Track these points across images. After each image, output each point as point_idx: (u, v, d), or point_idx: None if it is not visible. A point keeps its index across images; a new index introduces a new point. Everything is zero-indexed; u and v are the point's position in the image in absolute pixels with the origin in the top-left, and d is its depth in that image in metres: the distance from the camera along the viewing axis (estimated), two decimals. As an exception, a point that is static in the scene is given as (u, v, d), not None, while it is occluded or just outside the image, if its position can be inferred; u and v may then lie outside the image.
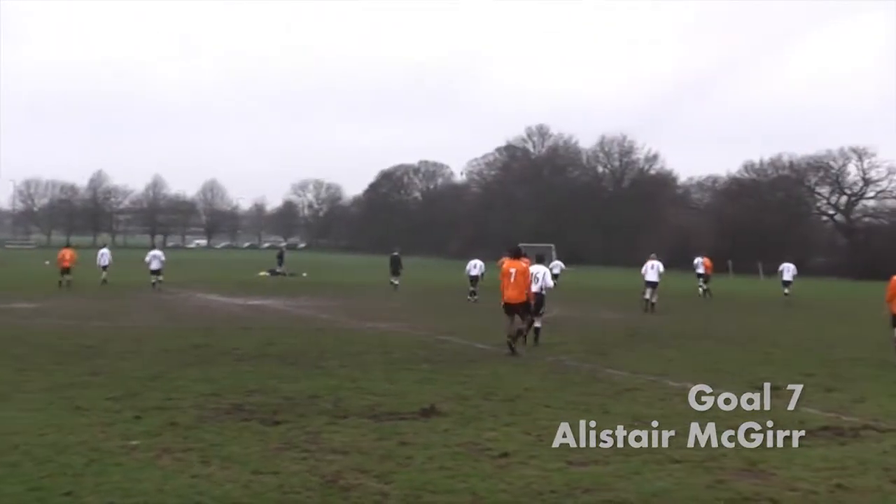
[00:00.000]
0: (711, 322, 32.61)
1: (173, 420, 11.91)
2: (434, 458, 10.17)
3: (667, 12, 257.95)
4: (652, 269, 39.03)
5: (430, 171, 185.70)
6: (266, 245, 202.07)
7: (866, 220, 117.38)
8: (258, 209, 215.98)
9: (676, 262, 75.84)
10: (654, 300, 38.11)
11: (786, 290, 51.56)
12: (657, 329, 28.51)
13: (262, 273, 65.58)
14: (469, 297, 42.00)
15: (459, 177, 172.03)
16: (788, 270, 52.78)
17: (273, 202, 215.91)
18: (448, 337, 24.45)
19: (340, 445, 10.67)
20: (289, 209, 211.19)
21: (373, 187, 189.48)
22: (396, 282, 51.12)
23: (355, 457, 10.14)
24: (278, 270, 66.92)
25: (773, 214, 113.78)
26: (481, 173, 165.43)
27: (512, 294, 21.56)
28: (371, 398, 14.06)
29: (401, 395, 14.53)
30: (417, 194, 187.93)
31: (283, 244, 72.86)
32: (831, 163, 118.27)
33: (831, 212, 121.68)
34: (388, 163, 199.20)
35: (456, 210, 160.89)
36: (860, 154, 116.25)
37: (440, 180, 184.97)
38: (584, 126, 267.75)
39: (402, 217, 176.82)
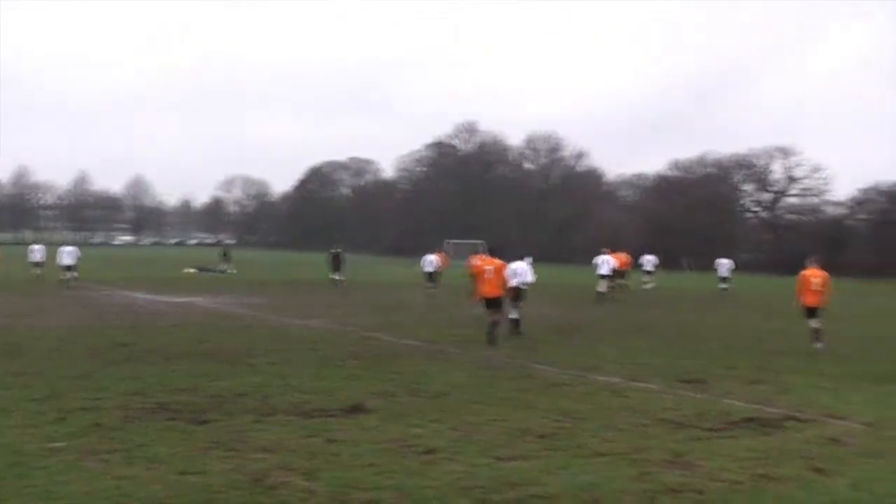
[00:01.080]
0: (640, 317, 32.89)
1: (98, 421, 11.76)
2: (361, 455, 10.18)
3: (588, 9, 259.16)
4: (604, 264, 42.50)
5: (359, 167, 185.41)
6: (193, 242, 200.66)
7: (790, 216, 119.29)
8: (185, 205, 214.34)
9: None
10: (603, 290, 41.62)
11: (723, 286, 53.13)
12: (586, 325, 28.71)
13: (189, 270, 65.06)
14: (427, 290, 43.75)
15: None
16: (724, 266, 54.59)
17: (200, 198, 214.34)
18: (376, 333, 24.43)
19: (267, 444, 10.64)
20: (216, 205, 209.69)
21: (302, 184, 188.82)
22: (337, 277, 50.93)
23: (282, 455, 10.12)
24: (224, 268, 66.85)
25: (700, 211, 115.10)
26: (410, 170, 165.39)
27: (489, 289, 23.30)
28: (298, 395, 14.04)
29: (328, 392, 14.52)
30: (346, 191, 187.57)
31: (228, 241, 72.80)
32: (756, 161, 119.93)
33: (756, 209, 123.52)
34: (318, 159, 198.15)
35: (385, 206, 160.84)
36: (785, 153, 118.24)
37: (369, 177, 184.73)
38: (513, 123, 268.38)
39: (331, 213, 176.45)
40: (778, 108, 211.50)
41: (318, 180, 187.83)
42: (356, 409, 12.85)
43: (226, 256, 69.27)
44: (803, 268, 24.31)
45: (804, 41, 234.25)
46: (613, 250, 49.49)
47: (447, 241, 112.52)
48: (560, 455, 10.48)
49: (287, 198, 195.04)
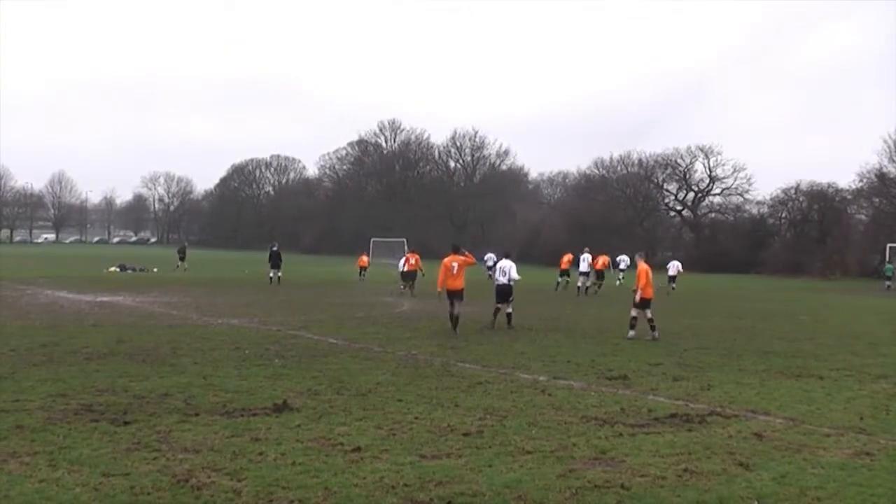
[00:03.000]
0: (563, 315, 33.07)
1: (20, 423, 11.57)
2: (286, 454, 10.15)
3: (513, 9, 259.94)
4: (583, 262, 47.62)
5: (282, 165, 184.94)
6: (116, 240, 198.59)
7: (712, 215, 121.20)
8: (108, 203, 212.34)
9: (527, 256, 77.03)
10: (587, 285, 47.41)
11: (672, 286, 55.55)
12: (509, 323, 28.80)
13: (111, 269, 64.41)
14: (402, 287, 45.40)
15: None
16: (674, 266, 57.93)
17: (123, 196, 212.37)
18: (300, 332, 24.36)
19: (192, 444, 10.57)
20: (139, 203, 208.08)
21: (224, 181, 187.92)
22: (272, 275, 52.25)
23: (207, 455, 10.06)
24: (180, 266, 66.82)
25: (622, 210, 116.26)
26: (333, 168, 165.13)
27: (454, 283, 25.73)
28: (223, 395, 13.96)
29: (253, 391, 14.46)
30: (269, 189, 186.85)
31: (186, 242, 73.01)
32: (679, 160, 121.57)
33: (679, 207, 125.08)
34: (241, 157, 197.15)
35: (308, 204, 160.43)
36: (706, 153, 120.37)
37: (292, 175, 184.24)
38: (436, 121, 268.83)
39: (254, 211, 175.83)
40: (703, 109, 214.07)
41: (240, 178, 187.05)
42: (281, 408, 12.80)
43: (182, 255, 69.22)
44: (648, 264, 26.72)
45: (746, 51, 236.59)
46: (566, 250, 51.98)
47: (373, 238, 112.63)
48: (485, 453, 10.52)
49: (210, 195, 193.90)
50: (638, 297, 25.53)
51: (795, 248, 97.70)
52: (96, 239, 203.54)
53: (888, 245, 79.33)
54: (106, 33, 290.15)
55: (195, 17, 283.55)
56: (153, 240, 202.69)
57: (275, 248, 53.76)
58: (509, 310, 27.47)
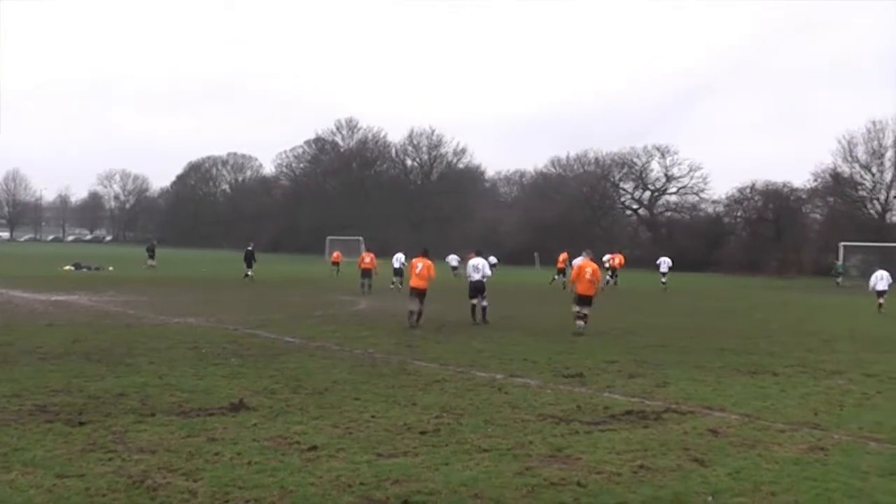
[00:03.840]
0: (519, 313, 33.16)
1: (-28, 424, 11.51)
2: (243, 454, 10.12)
3: (470, 8, 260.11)
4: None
5: (238, 163, 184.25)
6: (71, 238, 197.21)
7: (668, 214, 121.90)
8: (63, 201, 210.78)
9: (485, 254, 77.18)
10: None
11: (663, 280, 59.02)
12: (466, 321, 28.84)
13: (66, 267, 63.84)
14: (391, 285, 47.85)
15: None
16: (665, 264, 60.50)
17: (78, 193, 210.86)
18: (257, 331, 24.28)
19: (147, 444, 10.50)
20: (94, 200, 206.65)
21: (181, 179, 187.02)
22: (251, 273, 54.19)
23: (163, 455, 10.00)
24: (150, 264, 67.08)
25: (579, 208, 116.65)
26: (291, 166, 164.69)
27: (417, 282, 27.37)
28: (179, 395, 13.89)
29: (209, 390, 14.40)
30: (226, 186, 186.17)
31: (155, 241, 73.28)
32: (635, 159, 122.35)
33: (635, 206, 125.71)
34: (197, 154, 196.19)
35: (265, 203, 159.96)
36: (663, 152, 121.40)
37: (249, 172, 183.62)
38: (393, 120, 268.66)
39: (211, 209, 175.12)
40: (657, 109, 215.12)
41: (197, 176, 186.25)
42: (237, 408, 12.76)
43: (151, 252, 69.44)
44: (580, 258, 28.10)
45: (683, 45, 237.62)
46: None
47: (330, 237, 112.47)
48: (441, 451, 10.54)
49: (166, 193, 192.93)
50: (572, 291, 27.10)
51: (751, 247, 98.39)
52: (51, 237, 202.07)
53: (841, 244, 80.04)
54: (61, 32, 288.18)
55: (151, 16, 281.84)
56: (109, 238, 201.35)
57: (250, 248, 55.81)
58: (484, 303, 28.77)
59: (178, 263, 74.16)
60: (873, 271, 43.54)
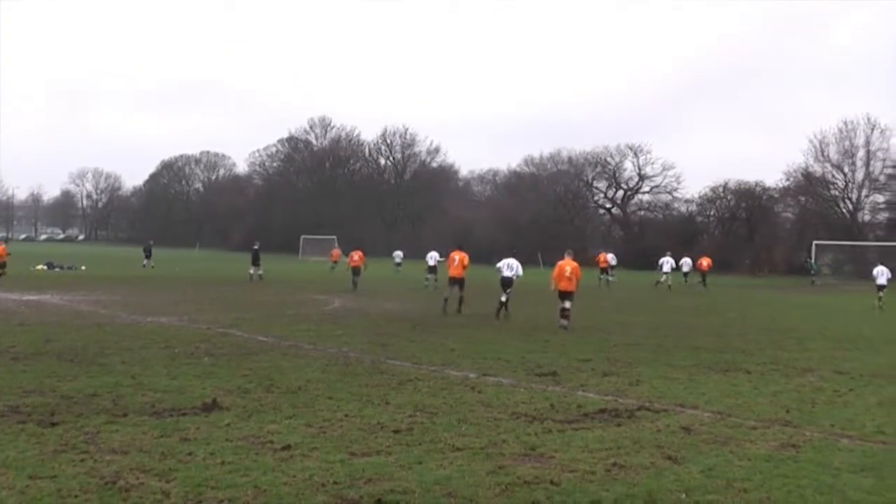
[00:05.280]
0: (495, 312, 33.16)
1: (-56, 424, 11.43)
2: (216, 454, 10.07)
3: (442, 5, 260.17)
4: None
5: (211, 161, 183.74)
6: (43, 237, 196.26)
7: (641, 213, 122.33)
8: (35, 199, 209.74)
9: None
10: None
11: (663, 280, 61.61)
12: (439, 320, 28.85)
13: (39, 266, 63.52)
14: (426, 282, 51.74)
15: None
16: (686, 264, 64.16)
17: (51, 192, 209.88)
18: (230, 330, 24.20)
19: (120, 445, 10.43)
20: (67, 199, 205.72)
21: (153, 178, 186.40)
22: (252, 272, 55.13)
23: (135, 456, 9.93)
24: (146, 265, 67.35)
25: (552, 207, 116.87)
26: (264, 165, 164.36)
27: (454, 272, 32.21)
28: (152, 394, 13.80)
29: (182, 390, 14.32)
30: (199, 185, 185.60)
31: (151, 241, 73.62)
32: (608, 159, 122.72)
33: (608, 205, 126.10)
34: (170, 153, 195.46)
35: (238, 201, 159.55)
36: (636, 151, 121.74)
37: (222, 171, 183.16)
38: (367, 119, 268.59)
39: (184, 208, 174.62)
40: (631, 108, 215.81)
41: (170, 174, 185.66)
42: (210, 407, 12.71)
43: (148, 252, 69.63)
44: (562, 258, 28.72)
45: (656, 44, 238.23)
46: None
47: (304, 235, 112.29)
48: (415, 450, 10.52)
49: (139, 192, 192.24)
50: (552, 288, 28.58)
51: (724, 246, 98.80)
52: (23, 236, 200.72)
53: (814, 242, 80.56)
54: (34, 30, 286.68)
55: (126, 14, 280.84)
56: (81, 237, 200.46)
57: (256, 248, 56.36)
58: (505, 298, 30.77)
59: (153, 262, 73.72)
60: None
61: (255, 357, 18.68)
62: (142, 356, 18.36)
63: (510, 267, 31.23)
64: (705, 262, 63.93)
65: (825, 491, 9.28)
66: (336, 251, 73.01)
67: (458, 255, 32.43)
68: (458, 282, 32.07)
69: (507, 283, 30.97)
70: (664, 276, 62.08)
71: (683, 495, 8.97)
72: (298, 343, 21.52)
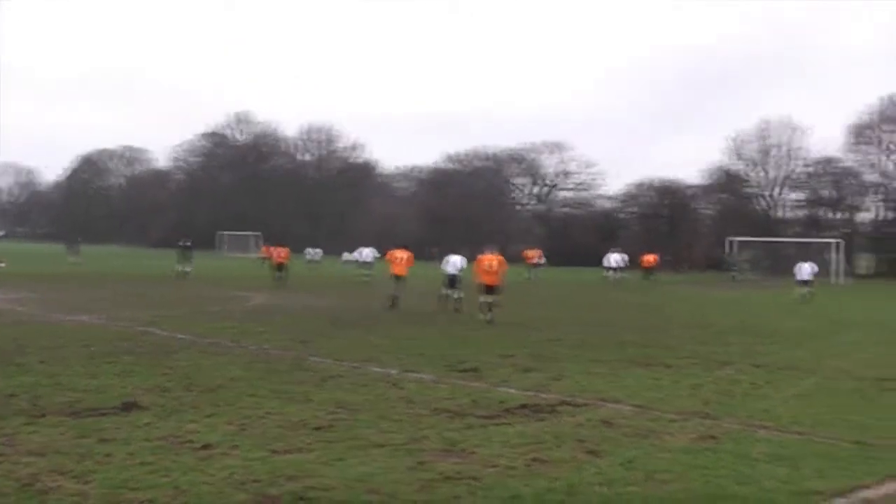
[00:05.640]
0: (416, 308, 33.19)
1: None
2: (135, 454, 9.96)
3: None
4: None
5: (132, 156, 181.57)
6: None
7: (563, 209, 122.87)
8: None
9: (382, 250, 77.63)
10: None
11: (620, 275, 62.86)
12: (361, 316, 28.87)
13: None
14: (365, 277, 53.22)
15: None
16: (621, 259, 64.91)
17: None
18: (150, 328, 23.98)
19: (37, 446, 10.28)
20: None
21: (74, 172, 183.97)
22: (179, 269, 54.64)
23: (53, 457, 9.80)
24: (72, 260, 66.85)
25: (475, 203, 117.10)
26: (185, 160, 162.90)
27: (398, 270, 33.58)
28: (70, 395, 13.62)
29: (101, 389, 14.15)
30: (120, 180, 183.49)
31: (79, 237, 72.79)
32: (531, 155, 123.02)
33: (530, 202, 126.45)
34: (90, 147, 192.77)
35: (159, 197, 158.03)
36: (558, 148, 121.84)
37: (143, 166, 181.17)
38: (289, 115, 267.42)
39: (104, 203, 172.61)
40: (553, 106, 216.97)
41: (90, 169, 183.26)
42: (129, 407, 12.58)
43: (73, 248, 69.60)
44: (482, 253, 30.13)
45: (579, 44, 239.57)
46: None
47: (221, 232, 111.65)
48: (336, 447, 10.51)
49: (58, 187, 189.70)
50: (477, 283, 29.22)
51: (646, 242, 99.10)
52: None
53: (732, 239, 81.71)
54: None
55: (43, 5, 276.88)
56: (2, 233, 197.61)
57: (188, 244, 56.04)
58: (460, 295, 31.79)
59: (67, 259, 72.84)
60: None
61: (176, 355, 18.52)
62: (61, 355, 18.12)
63: (454, 265, 32.82)
64: (651, 258, 66.38)
65: (743, 481, 9.43)
66: (267, 248, 71.88)
67: (403, 254, 34.00)
68: (402, 279, 33.31)
69: (452, 280, 32.47)
70: (610, 272, 63.58)
71: (604, 488, 9.05)
72: (219, 340, 21.39)
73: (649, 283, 63.19)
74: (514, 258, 60.50)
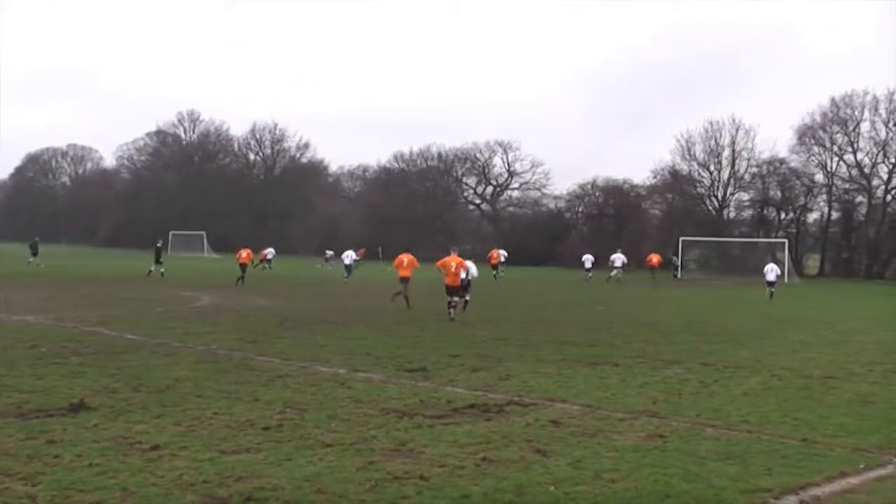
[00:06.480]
0: (364, 309, 33.19)
1: None
2: (83, 456, 9.91)
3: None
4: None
5: (78, 155, 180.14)
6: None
7: (511, 209, 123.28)
8: None
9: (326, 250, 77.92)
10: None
11: (616, 275, 64.50)
12: (308, 316, 28.83)
13: None
14: (345, 278, 54.24)
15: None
16: (619, 259, 65.92)
17: None
18: (97, 328, 23.85)
19: (-16, 449, 10.26)
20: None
21: (19, 171, 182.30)
22: (153, 269, 55.57)
23: (0, 459, 9.74)
24: (32, 261, 66.23)
25: (422, 203, 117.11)
26: (132, 159, 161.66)
27: (404, 273, 33.94)
28: (17, 396, 13.53)
29: (48, 390, 14.07)
30: (66, 179, 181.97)
31: (36, 238, 72.09)
32: (478, 155, 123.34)
33: (478, 201, 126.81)
34: (35, 145, 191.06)
35: (105, 196, 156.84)
36: (505, 148, 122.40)
37: (89, 165, 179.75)
38: (236, 114, 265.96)
39: (50, 203, 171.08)
40: (501, 106, 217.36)
41: (35, 168, 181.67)
42: (77, 408, 12.50)
43: (34, 250, 68.62)
44: (447, 254, 31.59)
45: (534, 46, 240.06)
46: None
47: (171, 231, 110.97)
48: (284, 447, 10.52)
49: (4, 185, 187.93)
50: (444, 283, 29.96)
51: (593, 242, 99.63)
52: None
53: (681, 238, 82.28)
54: None
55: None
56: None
57: (159, 245, 57.51)
58: (467, 297, 31.55)
59: (16, 259, 72.17)
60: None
61: (124, 356, 18.43)
62: (7, 356, 17.99)
63: (465, 269, 32.49)
64: (654, 258, 68.89)
65: (692, 479, 9.51)
66: (248, 252, 71.39)
67: (406, 258, 34.54)
68: (406, 280, 33.94)
69: (461, 286, 31.72)
70: (615, 272, 65.17)
71: (552, 488, 9.09)
72: (167, 341, 21.30)
73: (655, 279, 65.96)
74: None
